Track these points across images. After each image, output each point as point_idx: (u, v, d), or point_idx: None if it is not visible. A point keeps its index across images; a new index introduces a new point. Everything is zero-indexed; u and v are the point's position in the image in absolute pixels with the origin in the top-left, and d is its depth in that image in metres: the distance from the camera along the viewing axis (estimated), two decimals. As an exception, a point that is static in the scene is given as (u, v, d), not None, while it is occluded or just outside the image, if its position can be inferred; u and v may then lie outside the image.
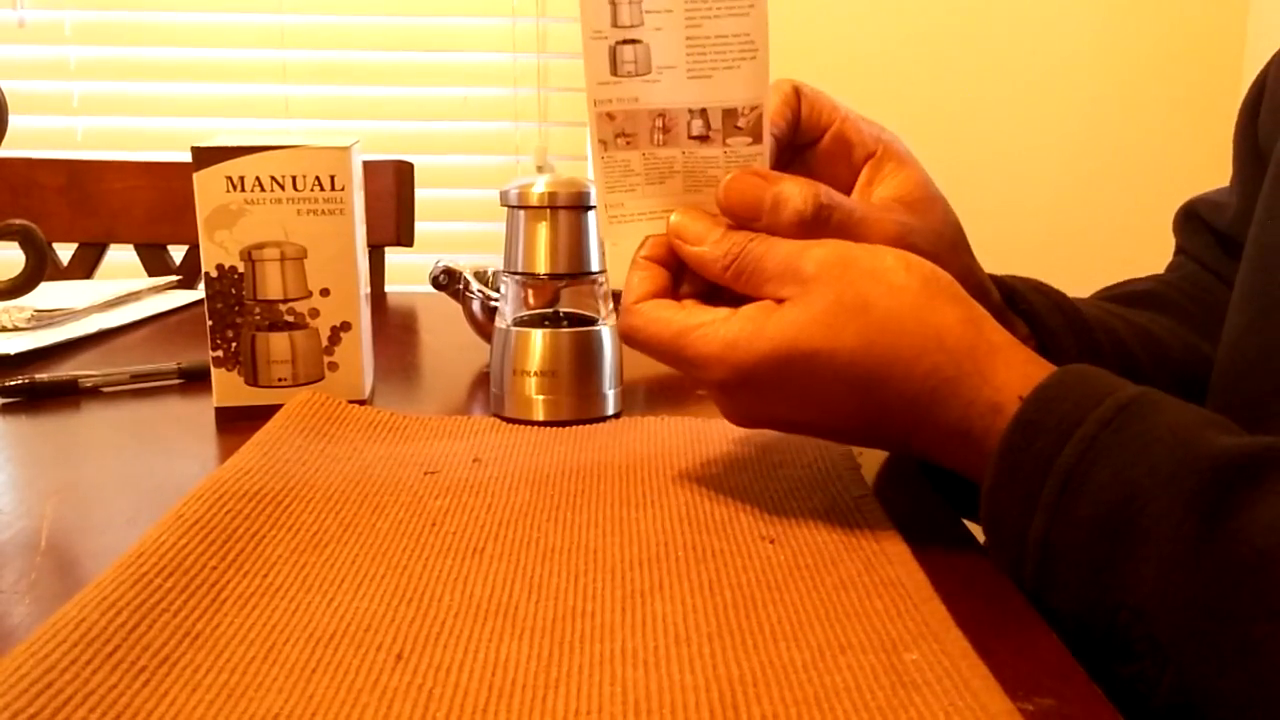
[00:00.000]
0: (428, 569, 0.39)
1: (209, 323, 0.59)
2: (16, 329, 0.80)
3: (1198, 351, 0.60)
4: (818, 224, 0.44)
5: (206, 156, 0.57)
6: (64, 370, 0.68)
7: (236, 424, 0.58)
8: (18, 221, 0.69)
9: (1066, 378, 0.40)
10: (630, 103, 0.44)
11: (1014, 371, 0.41)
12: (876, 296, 0.41)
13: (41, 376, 0.65)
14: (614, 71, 0.44)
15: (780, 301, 0.42)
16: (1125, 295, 0.65)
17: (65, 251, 1.20)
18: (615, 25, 0.44)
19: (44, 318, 0.82)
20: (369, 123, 1.75)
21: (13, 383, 0.64)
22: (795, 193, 0.43)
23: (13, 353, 0.73)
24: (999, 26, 1.71)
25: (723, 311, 0.43)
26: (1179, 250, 0.71)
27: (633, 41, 0.44)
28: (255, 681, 0.31)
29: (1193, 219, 0.70)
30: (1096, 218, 1.72)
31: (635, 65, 0.44)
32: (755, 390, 0.43)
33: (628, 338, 0.46)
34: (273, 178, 0.58)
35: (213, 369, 0.60)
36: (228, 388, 0.60)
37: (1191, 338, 0.61)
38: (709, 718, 0.29)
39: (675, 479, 0.48)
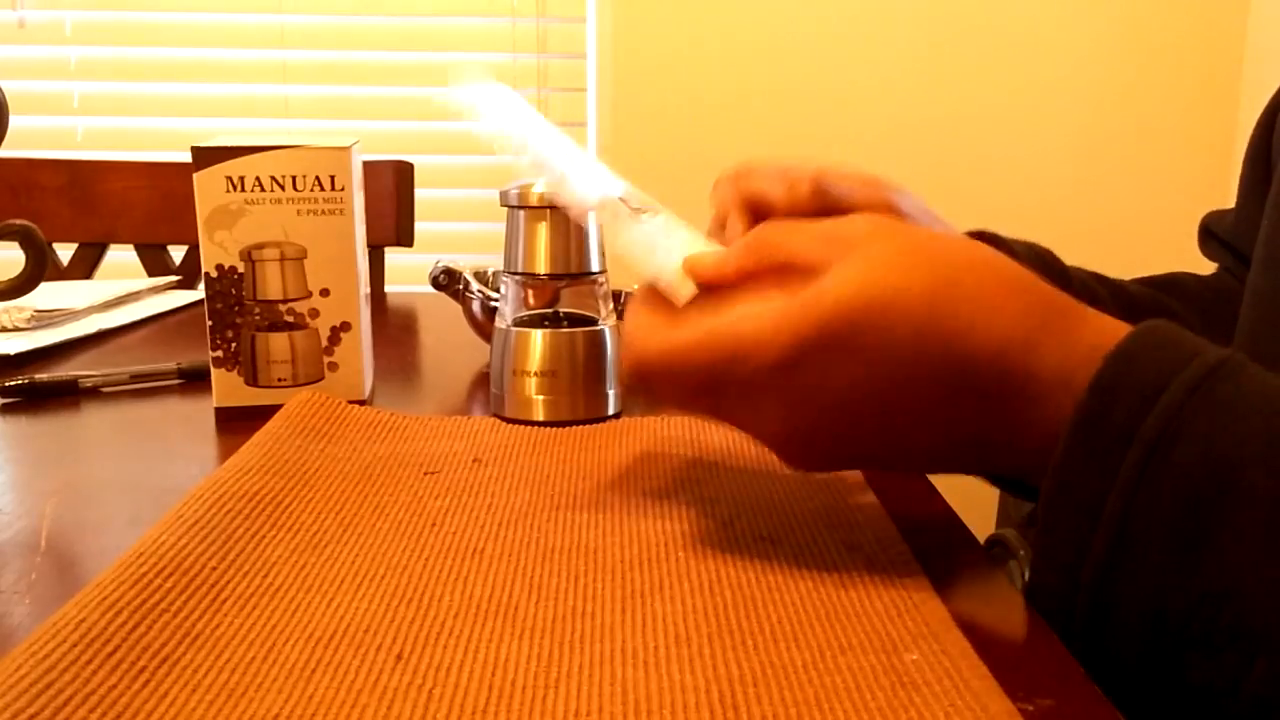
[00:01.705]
0: (428, 569, 0.39)
1: (209, 323, 0.59)
2: (16, 329, 0.80)
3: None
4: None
5: (206, 156, 0.57)
6: (64, 370, 0.67)
7: (236, 424, 0.58)
8: (18, 221, 0.69)
9: (1147, 338, 0.35)
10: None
11: (1090, 326, 0.36)
12: (940, 244, 0.37)
13: (41, 376, 0.65)
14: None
15: (827, 268, 0.36)
16: (1145, 279, 0.65)
17: (65, 251, 1.20)
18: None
19: (44, 318, 0.82)
20: (369, 123, 1.75)
21: (13, 383, 0.64)
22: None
23: (13, 353, 0.73)
24: (998, 27, 1.71)
25: (755, 301, 0.38)
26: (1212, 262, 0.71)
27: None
28: (255, 682, 0.31)
29: (1206, 233, 0.70)
30: (1095, 218, 1.72)
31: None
32: (822, 368, 0.36)
33: (645, 371, 0.39)
34: (273, 178, 0.58)
35: (213, 369, 0.60)
36: (228, 388, 0.60)
37: (1192, 319, 0.60)
38: (709, 718, 0.29)
39: (675, 479, 0.48)
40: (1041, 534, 0.36)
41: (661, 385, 0.40)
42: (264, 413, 0.55)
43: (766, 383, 0.37)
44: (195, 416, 0.61)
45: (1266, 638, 0.31)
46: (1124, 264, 0.75)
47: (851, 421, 0.38)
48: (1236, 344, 0.53)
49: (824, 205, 0.47)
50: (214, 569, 0.37)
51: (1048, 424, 0.36)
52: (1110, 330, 0.36)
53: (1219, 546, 0.32)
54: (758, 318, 0.37)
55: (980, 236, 0.53)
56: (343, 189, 0.59)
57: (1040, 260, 0.55)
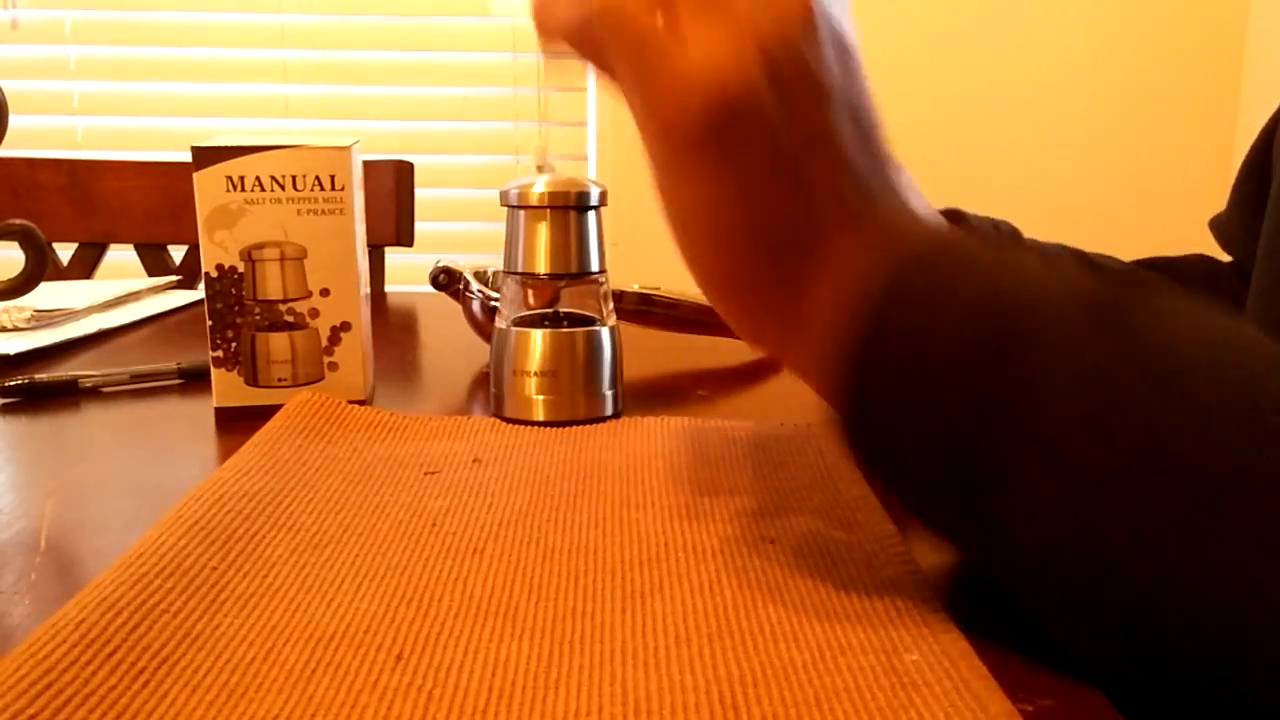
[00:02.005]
0: (428, 569, 0.38)
1: (209, 323, 0.59)
2: (16, 329, 0.80)
3: None
4: None
5: (206, 156, 0.57)
6: (64, 370, 0.68)
7: (236, 424, 0.58)
8: (18, 221, 0.69)
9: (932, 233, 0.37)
10: None
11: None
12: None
13: (41, 376, 0.65)
14: None
15: None
16: (1150, 260, 0.65)
17: (65, 251, 1.20)
18: None
19: (44, 318, 0.82)
20: (369, 123, 1.75)
21: (13, 383, 0.64)
22: None
23: (13, 353, 0.73)
24: (999, 29, 1.71)
25: None
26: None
27: None
28: (255, 682, 0.31)
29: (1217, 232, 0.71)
30: (1095, 218, 1.72)
31: None
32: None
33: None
34: (273, 178, 0.58)
35: (213, 369, 0.60)
36: (228, 388, 0.60)
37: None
38: (709, 718, 0.29)
39: (675, 479, 0.48)
40: (843, 382, 0.35)
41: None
42: (264, 413, 0.55)
43: None
44: (195, 416, 0.61)
45: (1063, 452, 0.31)
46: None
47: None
48: None
49: None
50: (214, 569, 0.37)
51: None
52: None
53: (1019, 363, 0.32)
54: None
55: (946, 214, 0.53)
56: (343, 189, 0.59)
57: (1009, 235, 0.55)
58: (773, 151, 0.35)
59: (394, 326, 0.92)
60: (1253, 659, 0.29)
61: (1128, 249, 0.83)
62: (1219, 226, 0.69)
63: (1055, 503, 0.31)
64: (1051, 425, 0.31)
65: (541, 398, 0.58)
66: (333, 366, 0.60)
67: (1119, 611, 0.31)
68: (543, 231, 0.58)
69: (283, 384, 0.60)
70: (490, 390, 0.61)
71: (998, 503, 0.32)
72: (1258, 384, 0.30)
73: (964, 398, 0.32)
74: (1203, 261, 0.67)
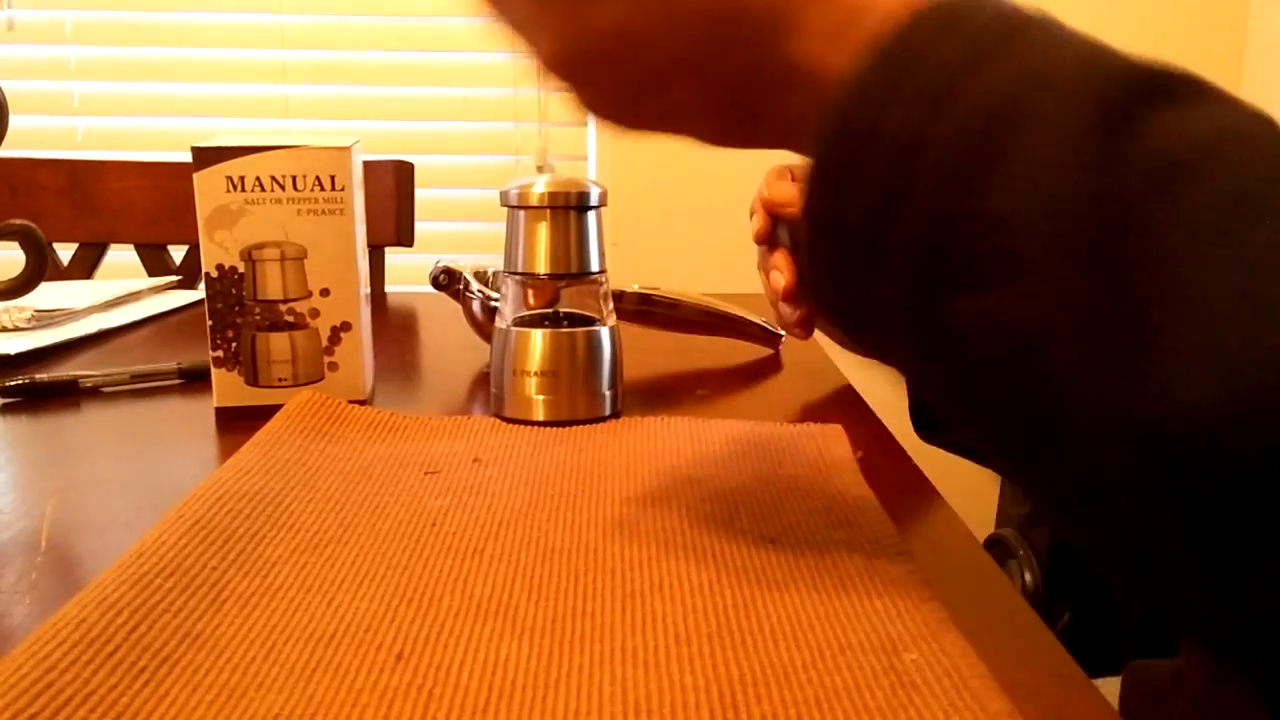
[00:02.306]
0: (428, 569, 0.39)
1: (209, 323, 0.59)
2: (16, 329, 0.80)
3: None
4: None
5: (206, 156, 0.58)
6: (64, 370, 0.68)
7: (236, 424, 0.58)
8: (18, 221, 0.69)
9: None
10: None
11: None
12: None
13: (41, 376, 0.65)
14: None
15: None
16: None
17: (65, 251, 1.20)
18: None
19: (44, 318, 0.82)
20: (369, 123, 1.75)
21: (13, 383, 0.64)
22: None
23: (13, 353, 0.73)
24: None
25: None
26: None
27: None
28: (255, 682, 0.31)
29: None
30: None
31: None
32: None
33: None
34: (273, 178, 0.58)
35: (213, 369, 0.60)
36: (228, 388, 0.60)
37: None
38: (709, 718, 0.29)
39: (675, 479, 0.48)
40: (819, 158, 0.33)
41: None
42: (264, 413, 0.55)
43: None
44: (195, 416, 0.61)
45: (1033, 262, 0.29)
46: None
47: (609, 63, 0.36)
48: None
49: None
50: (214, 569, 0.37)
51: (828, 61, 0.33)
52: None
53: (1004, 171, 0.29)
54: None
55: None
56: (343, 189, 0.59)
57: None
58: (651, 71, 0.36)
59: (394, 326, 0.92)
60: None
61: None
62: None
63: (1016, 314, 0.29)
64: (1028, 230, 0.29)
65: (541, 398, 0.58)
66: (333, 366, 0.61)
67: (1047, 435, 0.29)
68: (543, 231, 0.58)
69: (283, 384, 0.60)
70: (490, 390, 0.61)
71: (963, 305, 0.30)
72: (1260, 184, 0.27)
73: (949, 188, 0.30)
74: None
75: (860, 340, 0.35)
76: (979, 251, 0.30)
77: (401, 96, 1.76)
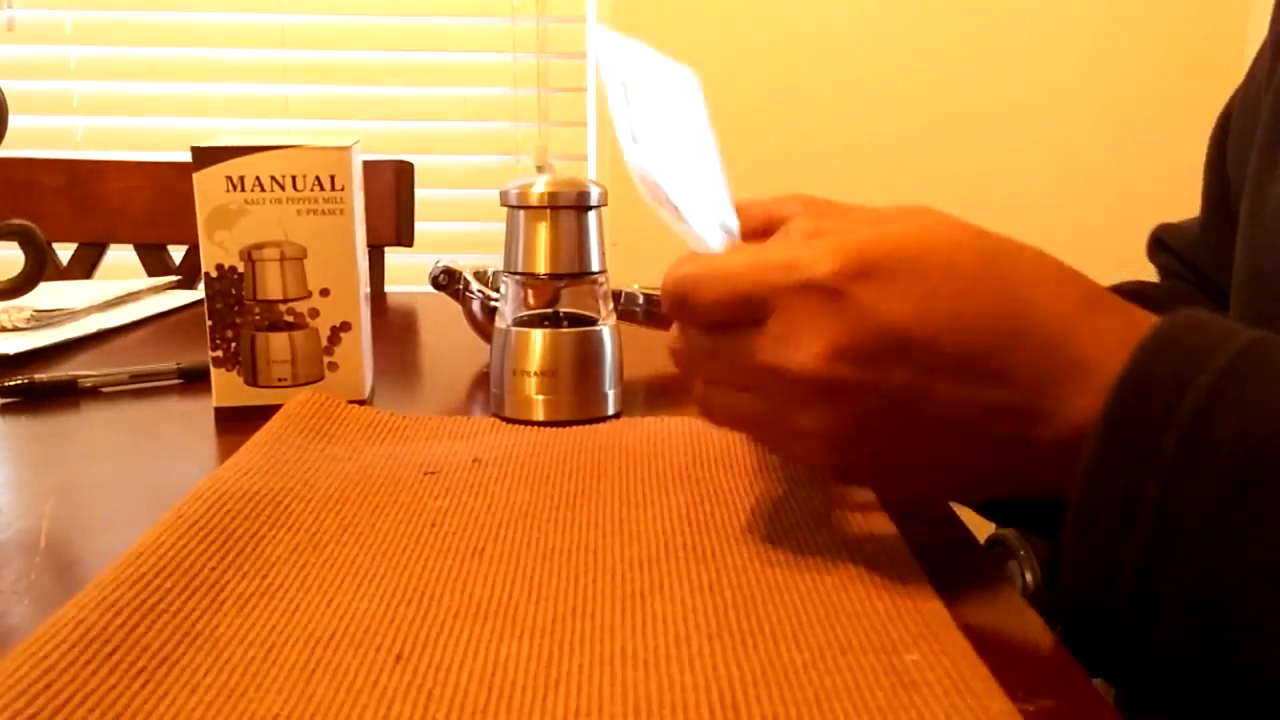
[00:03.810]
0: (428, 569, 0.38)
1: (209, 323, 0.59)
2: (16, 329, 0.80)
3: None
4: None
5: (206, 156, 0.57)
6: (64, 370, 0.67)
7: (236, 424, 0.58)
8: (18, 221, 0.69)
9: (1176, 325, 0.34)
10: None
11: (1133, 317, 0.36)
12: (974, 233, 0.37)
13: (41, 376, 0.65)
14: None
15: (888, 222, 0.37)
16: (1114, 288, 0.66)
17: (65, 251, 1.20)
18: None
19: (44, 318, 0.82)
20: (369, 123, 1.75)
21: (12, 383, 0.64)
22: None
23: (12, 353, 0.73)
24: (1000, 27, 1.71)
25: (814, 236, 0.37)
26: (1159, 271, 0.73)
27: None
28: (255, 682, 0.31)
29: (1158, 243, 0.72)
30: (1095, 221, 1.72)
31: None
32: (881, 289, 0.35)
33: (685, 284, 0.37)
34: (273, 178, 0.58)
35: (212, 369, 0.60)
36: (227, 388, 0.60)
37: None
38: (709, 718, 0.29)
39: (675, 479, 0.48)
40: (1074, 534, 0.34)
41: (698, 302, 0.37)
42: (264, 413, 0.55)
43: (817, 306, 0.35)
44: (195, 416, 0.61)
45: None
46: (1124, 264, 0.75)
47: (898, 353, 0.35)
48: None
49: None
50: (213, 569, 0.37)
51: (1082, 414, 0.34)
52: (1147, 322, 0.35)
53: (1266, 528, 0.30)
54: (815, 242, 0.36)
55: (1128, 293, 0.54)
56: (343, 189, 0.59)
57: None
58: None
59: (394, 326, 0.92)
60: None
61: (1124, 253, 0.83)
62: (1168, 234, 0.70)
63: None
64: None
65: (541, 398, 0.58)
66: (333, 366, 0.60)
67: None
68: (543, 231, 0.58)
69: (283, 384, 0.60)
70: (490, 390, 0.61)
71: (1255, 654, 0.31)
72: None
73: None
74: (1157, 289, 0.68)
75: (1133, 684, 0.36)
76: (1264, 604, 0.30)
77: (401, 96, 1.76)
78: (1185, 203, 0.71)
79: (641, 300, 0.74)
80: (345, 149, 0.59)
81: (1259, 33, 0.61)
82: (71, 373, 0.66)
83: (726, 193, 0.43)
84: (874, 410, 0.36)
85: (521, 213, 0.58)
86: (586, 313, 0.60)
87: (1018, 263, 0.36)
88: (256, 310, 0.59)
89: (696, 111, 0.44)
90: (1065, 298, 0.36)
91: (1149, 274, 0.74)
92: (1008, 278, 0.36)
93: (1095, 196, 1.73)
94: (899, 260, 0.35)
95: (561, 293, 0.60)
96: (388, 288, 1.18)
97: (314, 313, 0.60)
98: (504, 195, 0.58)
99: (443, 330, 0.87)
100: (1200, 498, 0.31)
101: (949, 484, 0.40)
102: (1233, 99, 0.64)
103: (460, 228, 1.76)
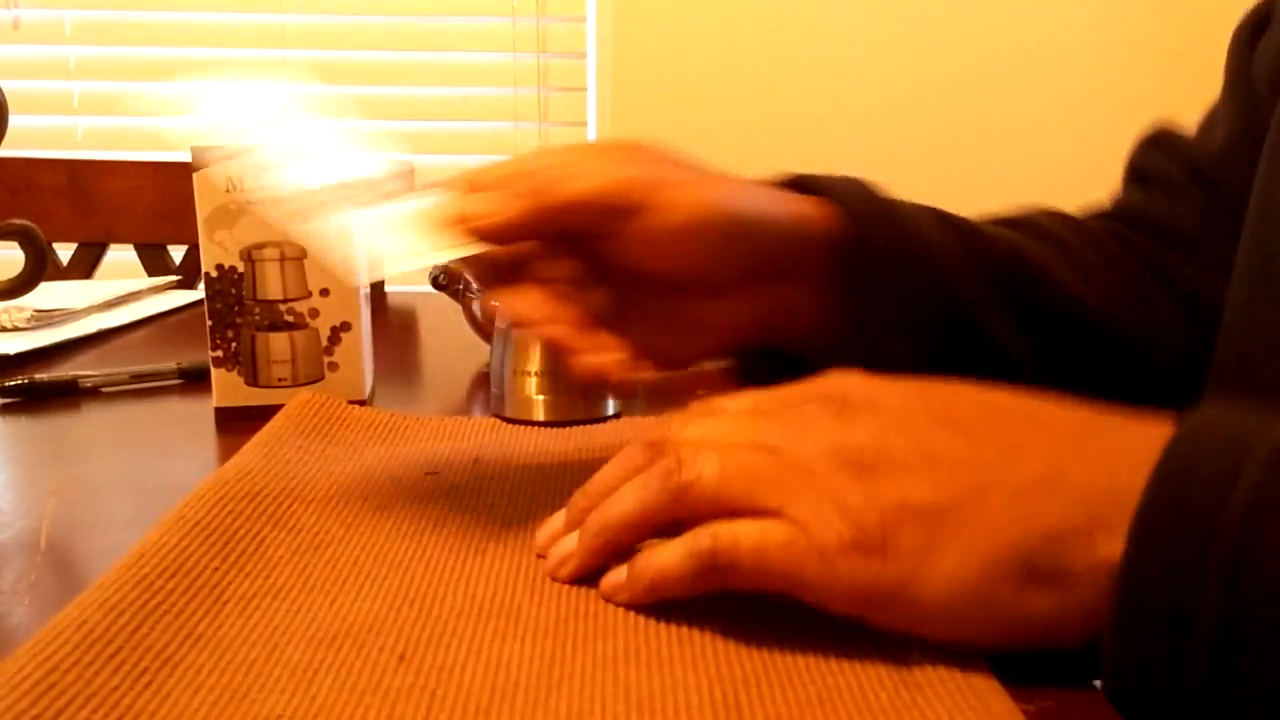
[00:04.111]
0: (430, 569, 0.38)
1: (209, 323, 0.59)
2: (16, 329, 0.80)
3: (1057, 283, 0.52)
4: None
5: (206, 156, 0.57)
6: (64, 370, 0.67)
7: (236, 424, 0.58)
8: (18, 221, 0.69)
9: (1203, 425, 0.31)
10: None
11: (1132, 433, 0.33)
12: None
13: (41, 376, 0.65)
14: None
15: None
16: (1002, 220, 0.58)
17: (65, 251, 1.20)
18: None
19: (44, 318, 0.82)
20: (369, 123, 1.75)
21: (13, 383, 0.64)
22: None
23: (13, 353, 0.73)
24: (1000, 26, 1.71)
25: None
26: (1117, 203, 0.64)
27: None
28: (259, 683, 0.30)
29: (1157, 146, 0.63)
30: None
31: None
32: (890, 413, 0.35)
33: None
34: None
35: (212, 369, 0.60)
36: (228, 388, 0.60)
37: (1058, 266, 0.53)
38: (711, 718, 0.29)
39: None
40: (1115, 661, 0.30)
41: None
42: (264, 413, 0.55)
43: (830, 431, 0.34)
44: (195, 416, 0.61)
45: None
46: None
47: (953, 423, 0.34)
48: (1225, 323, 0.49)
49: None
50: (215, 569, 0.37)
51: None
52: (1155, 434, 0.31)
53: None
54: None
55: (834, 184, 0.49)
56: (343, 189, 0.59)
57: (945, 223, 0.51)
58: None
59: (394, 326, 0.92)
60: None
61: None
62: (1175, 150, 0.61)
63: None
64: None
65: (541, 398, 0.58)
66: (333, 366, 0.60)
67: None
68: (544, 231, 0.57)
69: (283, 384, 0.60)
70: (490, 390, 0.61)
71: None
72: None
73: None
74: (1055, 216, 0.60)
75: None
76: None
77: (401, 96, 1.76)
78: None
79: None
80: (346, 149, 0.59)
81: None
82: (72, 373, 0.66)
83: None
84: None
85: (522, 213, 0.58)
86: (587, 313, 0.59)
87: (1014, 403, 0.35)
88: (256, 310, 0.59)
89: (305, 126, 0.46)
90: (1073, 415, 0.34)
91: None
92: (1011, 402, 0.35)
93: (1090, 191, 1.73)
94: (902, 395, 0.35)
95: (562, 293, 0.60)
96: (388, 288, 1.18)
97: (314, 313, 0.60)
98: (505, 195, 0.58)
99: (443, 330, 0.87)
100: (1262, 603, 0.28)
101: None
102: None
103: (460, 228, 1.76)
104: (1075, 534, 0.31)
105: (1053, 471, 0.32)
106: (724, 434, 0.36)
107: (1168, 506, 0.30)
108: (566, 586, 0.37)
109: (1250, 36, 0.57)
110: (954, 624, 0.32)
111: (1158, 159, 0.62)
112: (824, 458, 0.34)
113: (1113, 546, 0.30)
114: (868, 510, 0.32)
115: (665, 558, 0.35)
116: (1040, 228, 0.56)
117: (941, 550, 0.31)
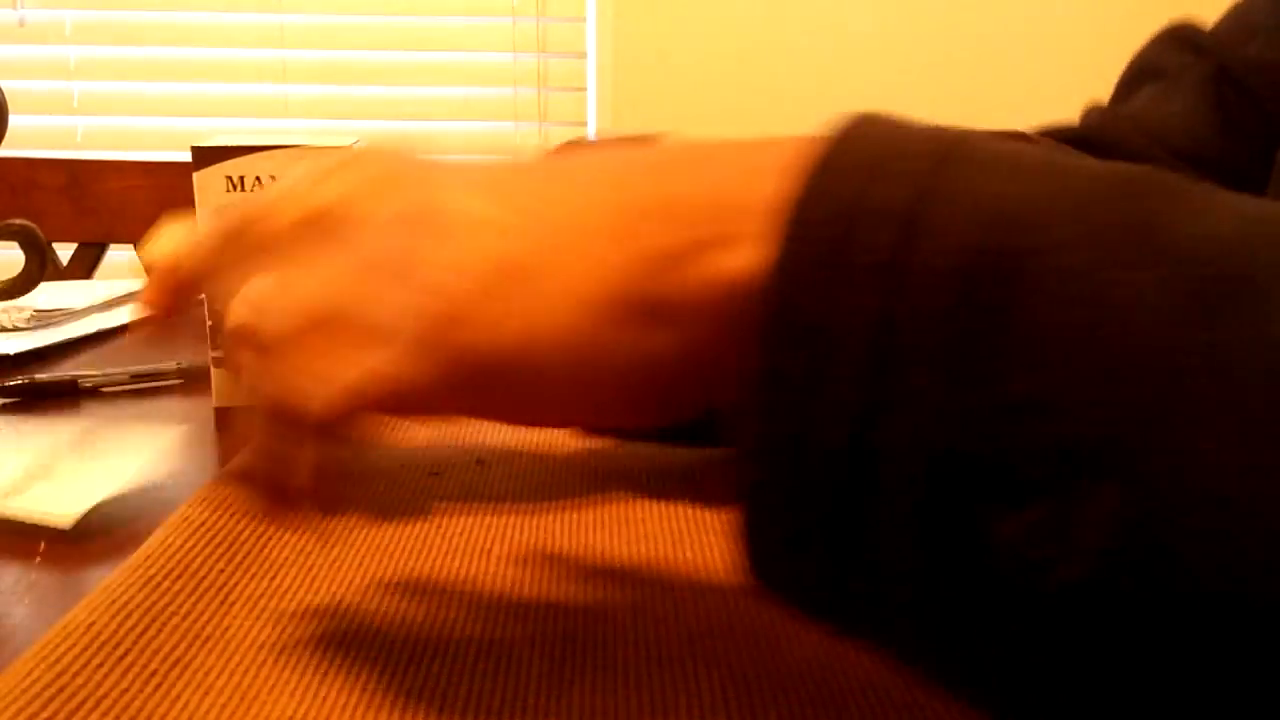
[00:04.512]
0: (435, 570, 0.38)
1: (209, 323, 0.59)
2: (16, 329, 0.79)
3: None
4: None
5: (206, 156, 0.57)
6: (64, 370, 0.67)
7: (236, 424, 0.58)
8: (18, 221, 0.69)
9: (855, 127, 0.25)
10: None
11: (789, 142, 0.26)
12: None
13: (41, 376, 0.64)
14: None
15: None
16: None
17: (65, 251, 1.20)
18: None
19: (44, 318, 0.82)
20: (369, 123, 1.75)
21: (13, 383, 0.63)
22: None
23: (12, 353, 0.72)
24: (1000, 26, 1.71)
25: None
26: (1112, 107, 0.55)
27: None
28: (268, 685, 0.30)
29: (1178, 40, 0.55)
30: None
31: None
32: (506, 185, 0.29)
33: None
34: (273, 177, 0.58)
35: (212, 369, 0.59)
36: (228, 388, 0.59)
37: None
38: (724, 717, 0.29)
39: (680, 478, 0.48)
40: (759, 388, 0.23)
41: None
42: (268, 413, 0.55)
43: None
44: (195, 416, 0.61)
45: (1102, 458, 0.20)
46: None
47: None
48: None
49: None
50: (221, 571, 0.37)
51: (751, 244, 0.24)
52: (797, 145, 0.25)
53: (1021, 341, 0.21)
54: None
55: None
56: (347, 189, 0.59)
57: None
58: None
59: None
60: None
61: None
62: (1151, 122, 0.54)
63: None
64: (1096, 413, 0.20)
65: (546, 398, 0.57)
66: (336, 367, 0.60)
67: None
68: (548, 231, 0.57)
69: (286, 384, 0.60)
70: (495, 391, 0.60)
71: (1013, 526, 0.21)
72: None
73: (952, 378, 0.21)
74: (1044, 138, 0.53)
75: (831, 619, 0.25)
76: (1020, 455, 0.21)
77: (401, 96, 1.76)
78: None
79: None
80: (345, 149, 0.59)
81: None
82: (72, 373, 0.65)
83: None
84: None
85: (526, 213, 0.58)
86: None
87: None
88: (260, 310, 0.59)
89: None
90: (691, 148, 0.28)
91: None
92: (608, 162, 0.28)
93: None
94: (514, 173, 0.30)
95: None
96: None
97: (318, 313, 0.59)
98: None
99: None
100: (925, 316, 0.21)
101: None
102: None
103: (459, 228, 1.76)
104: (685, 253, 0.25)
105: (659, 196, 0.27)
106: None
107: (812, 199, 0.23)
108: (576, 587, 0.37)
109: None
110: (583, 390, 0.27)
111: (1176, 56, 0.54)
112: (358, 274, 0.29)
113: (736, 259, 0.25)
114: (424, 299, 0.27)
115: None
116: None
117: (535, 304, 0.26)
